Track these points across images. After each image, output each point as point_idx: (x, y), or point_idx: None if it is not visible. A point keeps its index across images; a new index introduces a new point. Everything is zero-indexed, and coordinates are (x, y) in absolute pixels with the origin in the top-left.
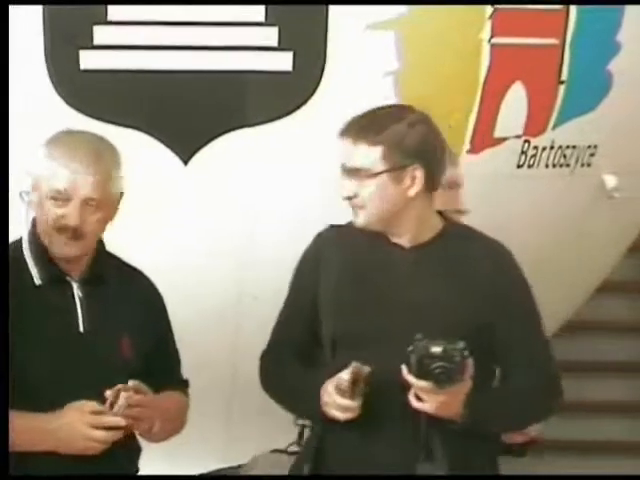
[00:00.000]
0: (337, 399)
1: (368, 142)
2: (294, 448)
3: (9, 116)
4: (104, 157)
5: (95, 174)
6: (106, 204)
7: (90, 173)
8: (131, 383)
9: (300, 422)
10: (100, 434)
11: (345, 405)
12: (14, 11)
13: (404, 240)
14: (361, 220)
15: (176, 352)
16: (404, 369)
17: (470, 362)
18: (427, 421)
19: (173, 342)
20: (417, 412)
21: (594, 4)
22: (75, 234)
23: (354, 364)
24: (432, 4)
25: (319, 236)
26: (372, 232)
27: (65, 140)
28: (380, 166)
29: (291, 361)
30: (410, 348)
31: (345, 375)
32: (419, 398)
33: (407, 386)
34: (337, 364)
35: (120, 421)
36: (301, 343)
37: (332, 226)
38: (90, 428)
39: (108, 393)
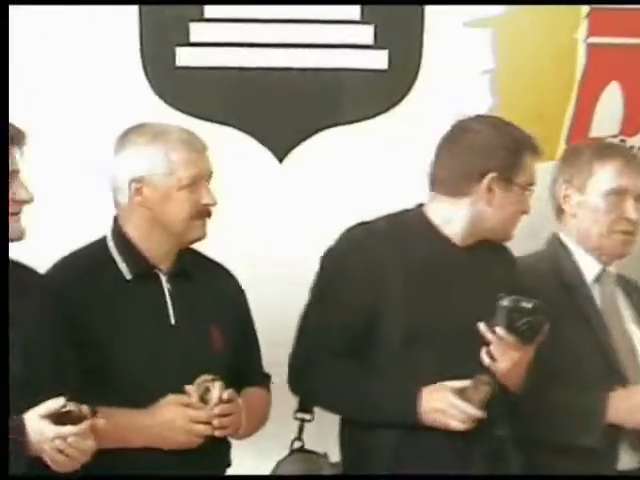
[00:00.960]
0: (464, 407)
1: None
2: (299, 444)
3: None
4: (197, 139)
5: (205, 151)
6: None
7: (203, 151)
8: (225, 394)
9: (300, 416)
10: (201, 428)
11: (472, 414)
12: (109, 11)
13: (458, 237)
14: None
15: (258, 347)
16: (483, 326)
17: (547, 323)
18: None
19: (256, 337)
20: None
21: None
22: (209, 213)
23: (479, 375)
24: (528, 4)
25: (350, 235)
26: (417, 226)
27: (161, 133)
28: None
29: (339, 361)
30: (501, 303)
31: (467, 382)
32: (492, 358)
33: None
34: (409, 362)
35: (217, 414)
36: (343, 346)
37: (361, 224)
38: (191, 422)
39: (192, 388)
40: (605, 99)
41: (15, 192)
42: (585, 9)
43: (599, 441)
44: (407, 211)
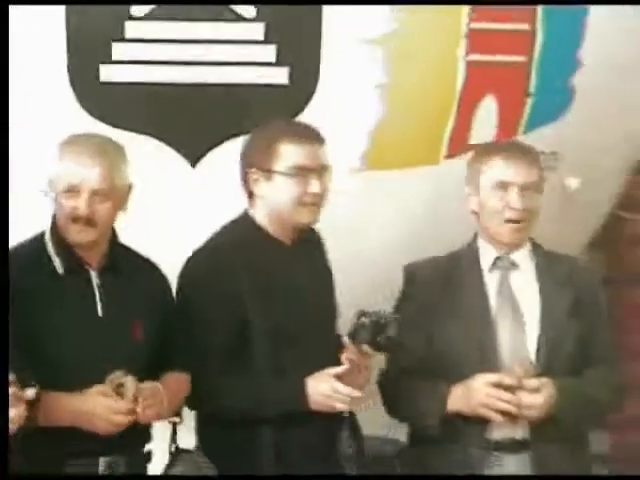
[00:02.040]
0: (346, 391)
1: None
2: (174, 446)
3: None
4: (108, 152)
5: (100, 167)
6: (114, 194)
7: (96, 166)
8: (144, 386)
9: (171, 420)
10: (120, 418)
11: (355, 396)
12: (38, 24)
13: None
14: None
15: (181, 335)
16: (346, 341)
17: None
18: None
19: (178, 326)
20: None
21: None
22: (87, 222)
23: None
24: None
25: (196, 259)
26: (250, 232)
27: (74, 141)
28: None
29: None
30: (362, 320)
31: (346, 368)
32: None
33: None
34: (283, 360)
35: (137, 407)
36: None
37: (200, 248)
38: (111, 413)
39: (107, 383)
40: (481, 110)
41: None
42: (464, 29)
43: (439, 425)
44: (235, 221)
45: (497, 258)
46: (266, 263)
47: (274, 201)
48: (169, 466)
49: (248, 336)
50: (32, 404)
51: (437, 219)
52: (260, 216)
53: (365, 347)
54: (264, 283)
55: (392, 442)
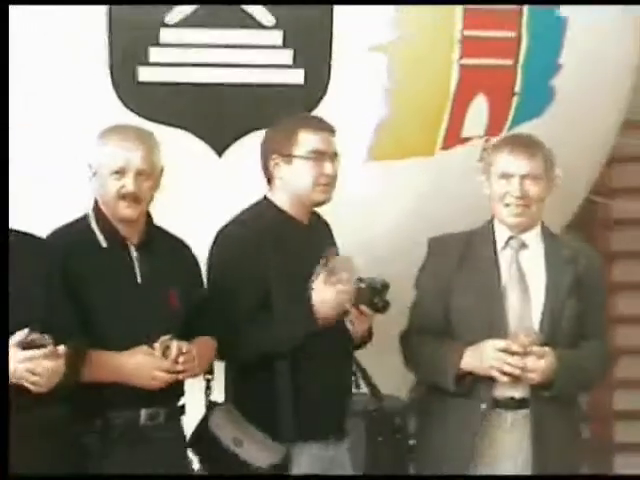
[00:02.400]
0: (348, 287)
1: None
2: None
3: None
4: (145, 138)
5: (141, 150)
6: (153, 174)
7: (138, 149)
8: (183, 347)
9: (206, 377)
10: (163, 375)
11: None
12: (81, 33)
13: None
14: None
15: (208, 305)
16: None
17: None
18: None
19: (206, 297)
20: None
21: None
22: (134, 199)
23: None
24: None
25: (226, 234)
26: (269, 212)
27: (115, 130)
28: None
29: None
30: (361, 285)
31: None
32: (352, 324)
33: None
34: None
35: (177, 367)
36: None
37: (227, 224)
38: (155, 370)
39: (157, 346)
40: (473, 107)
41: None
42: (458, 36)
43: (453, 384)
44: (256, 204)
45: (510, 237)
46: (287, 239)
47: (294, 182)
48: (205, 418)
49: (269, 302)
50: (73, 360)
51: (432, 202)
52: (279, 198)
53: (364, 308)
54: (286, 255)
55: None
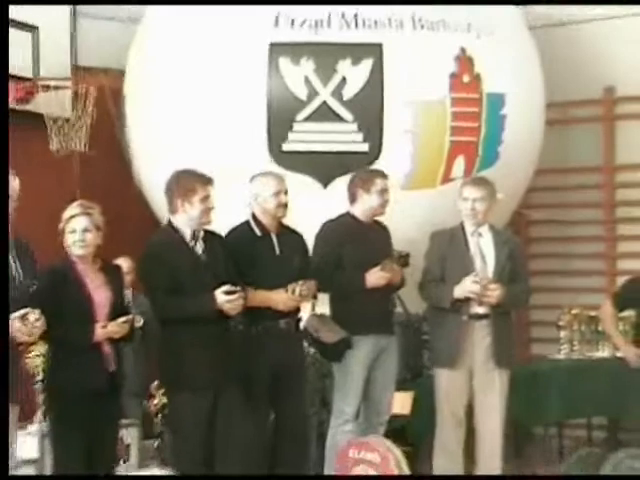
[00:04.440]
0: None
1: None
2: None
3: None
4: (282, 177)
5: (282, 180)
6: (287, 196)
7: (282, 180)
8: (306, 284)
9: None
10: (293, 303)
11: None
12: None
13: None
14: None
15: (310, 269)
16: (384, 264)
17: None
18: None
19: (310, 266)
20: None
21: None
22: (285, 205)
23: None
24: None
25: (326, 225)
26: (349, 219)
27: (265, 173)
28: None
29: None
30: (393, 253)
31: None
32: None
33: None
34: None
35: (298, 298)
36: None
37: (328, 221)
38: (289, 301)
39: (289, 287)
40: (457, 162)
41: None
42: (450, 124)
43: (448, 305)
44: (342, 215)
45: (473, 231)
46: (358, 233)
47: (369, 204)
48: (309, 322)
49: (343, 266)
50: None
51: (433, 218)
52: (358, 212)
53: (395, 266)
54: (356, 241)
55: (416, 314)
